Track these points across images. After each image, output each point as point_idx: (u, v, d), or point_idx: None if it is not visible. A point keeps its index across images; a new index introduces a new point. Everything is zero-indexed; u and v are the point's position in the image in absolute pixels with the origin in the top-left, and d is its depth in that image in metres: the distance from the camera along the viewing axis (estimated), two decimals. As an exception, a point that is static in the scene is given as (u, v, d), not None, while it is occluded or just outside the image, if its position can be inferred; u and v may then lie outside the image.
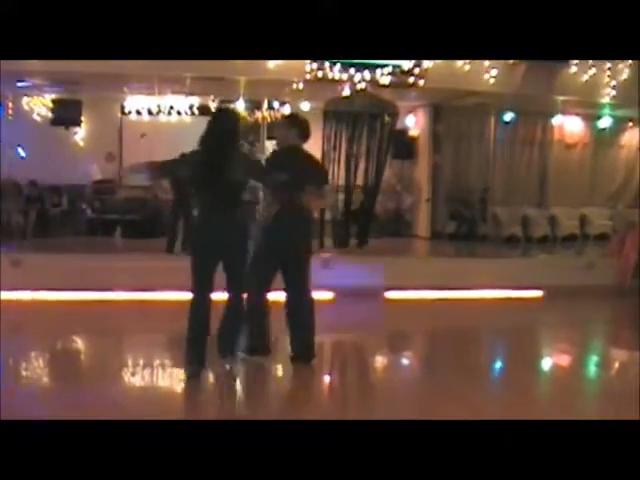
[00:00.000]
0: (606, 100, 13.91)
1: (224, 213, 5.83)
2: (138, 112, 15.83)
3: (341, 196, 12.32)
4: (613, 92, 13.58)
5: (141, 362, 6.88)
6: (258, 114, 15.80)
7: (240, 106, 14.62)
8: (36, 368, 6.69)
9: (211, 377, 5.94)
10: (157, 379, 6.31)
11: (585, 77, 13.21)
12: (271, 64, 11.63)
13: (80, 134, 16.39)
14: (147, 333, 8.23)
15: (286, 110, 15.68)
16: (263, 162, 6.76)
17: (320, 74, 11.77)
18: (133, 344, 7.96)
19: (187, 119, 15.65)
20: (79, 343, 7.97)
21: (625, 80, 13.39)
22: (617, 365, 7.86)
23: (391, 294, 10.29)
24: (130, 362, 6.97)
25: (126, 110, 16.25)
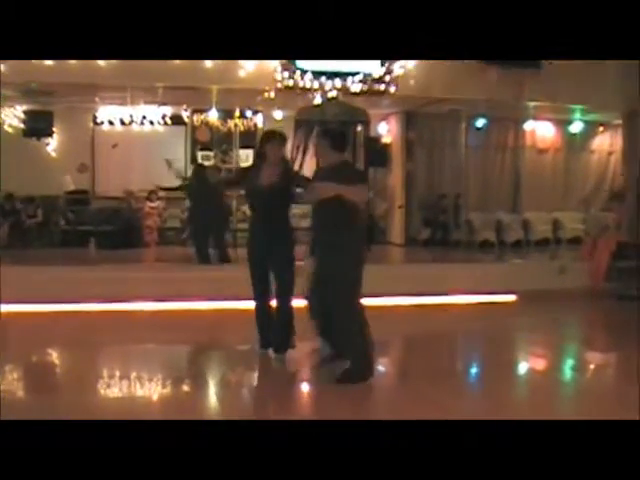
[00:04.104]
0: (576, 105, 14.04)
1: None
2: (110, 122, 15.70)
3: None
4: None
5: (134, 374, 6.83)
6: (231, 123, 15.84)
7: (213, 115, 14.65)
8: (12, 381, 6.63)
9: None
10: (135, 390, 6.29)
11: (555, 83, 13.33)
12: (242, 73, 11.64)
13: (52, 145, 16.30)
14: (124, 344, 8.17)
15: (259, 119, 15.75)
16: None
17: (291, 82, 11.78)
18: (112, 356, 7.87)
19: (160, 129, 15.51)
20: (54, 356, 7.91)
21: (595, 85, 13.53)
22: (592, 367, 7.92)
23: (365, 301, 10.23)
24: (121, 373, 6.89)
25: (98, 120, 16.12)
